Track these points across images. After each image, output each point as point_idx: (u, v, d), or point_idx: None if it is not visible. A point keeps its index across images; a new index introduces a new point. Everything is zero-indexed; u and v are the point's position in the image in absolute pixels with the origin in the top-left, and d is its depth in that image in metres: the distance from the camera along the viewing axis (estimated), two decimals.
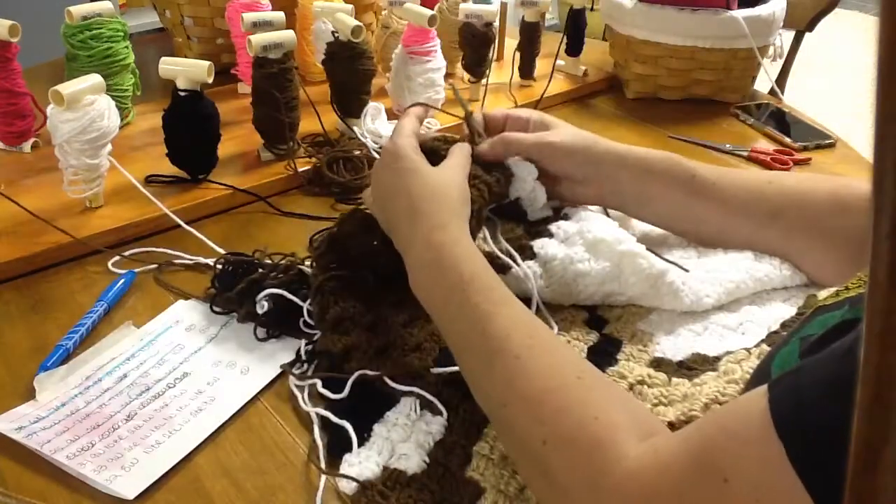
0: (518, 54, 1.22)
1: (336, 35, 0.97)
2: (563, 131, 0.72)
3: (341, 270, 0.67)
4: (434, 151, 0.67)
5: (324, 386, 0.59)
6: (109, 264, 0.75)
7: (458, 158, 0.66)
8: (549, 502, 0.45)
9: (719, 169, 0.70)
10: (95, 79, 0.77)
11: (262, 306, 0.66)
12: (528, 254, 0.67)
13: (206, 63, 0.82)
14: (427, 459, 0.53)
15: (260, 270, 0.70)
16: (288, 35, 0.89)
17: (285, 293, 0.66)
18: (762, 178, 0.70)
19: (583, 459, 0.42)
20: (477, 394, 0.52)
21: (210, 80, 0.83)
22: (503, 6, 1.28)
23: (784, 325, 0.60)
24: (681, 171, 0.69)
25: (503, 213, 0.74)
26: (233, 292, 0.68)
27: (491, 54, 1.14)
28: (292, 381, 0.61)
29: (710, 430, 0.39)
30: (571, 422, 0.44)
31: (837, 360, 0.35)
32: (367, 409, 0.57)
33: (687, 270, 0.68)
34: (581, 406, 0.44)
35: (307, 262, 0.71)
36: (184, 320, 0.68)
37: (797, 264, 0.69)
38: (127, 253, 0.77)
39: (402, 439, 0.55)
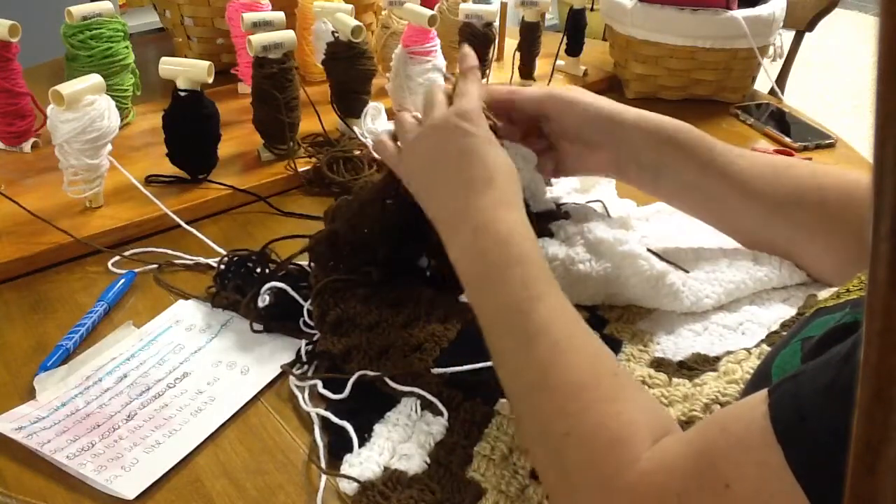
0: (518, 54, 1.22)
1: (336, 35, 0.97)
2: (577, 88, 0.69)
3: (340, 270, 0.67)
4: None
5: (324, 386, 0.59)
6: (109, 264, 0.75)
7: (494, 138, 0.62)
8: (557, 493, 0.45)
9: (739, 151, 0.68)
10: (95, 79, 0.77)
11: (264, 300, 0.66)
12: None
13: (206, 63, 0.82)
14: (428, 460, 0.53)
15: (263, 265, 0.70)
16: (288, 35, 0.89)
17: (288, 288, 0.66)
18: (779, 165, 0.68)
19: (599, 457, 0.42)
20: (504, 373, 0.51)
21: (210, 80, 0.83)
22: (503, 6, 1.28)
23: (784, 326, 0.60)
24: (700, 144, 0.67)
25: None
26: (238, 281, 0.69)
27: (491, 54, 1.14)
28: (293, 381, 0.61)
29: (712, 434, 0.39)
30: (596, 418, 0.44)
31: (836, 365, 0.35)
32: (367, 410, 0.57)
33: (687, 271, 0.68)
34: (608, 402, 0.44)
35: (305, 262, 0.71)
36: (184, 320, 0.68)
37: (798, 258, 0.68)
38: (127, 253, 0.77)
39: (402, 440, 0.55)
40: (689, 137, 0.67)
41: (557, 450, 0.44)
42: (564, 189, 0.84)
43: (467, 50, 0.67)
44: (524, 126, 0.71)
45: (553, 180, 0.80)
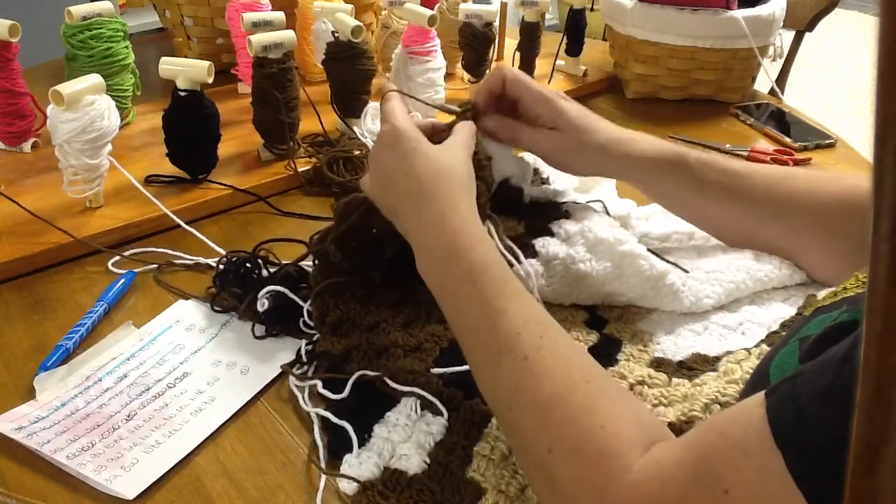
0: (518, 54, 1.22)
1: (336, 35, 0.97)
2: (570, 120, 0.69)
3: (345, 268, 0.67)
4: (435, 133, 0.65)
5: (324, 386, 0.59)
6: (109, 264, 0.75)
7: (462, 136, 0.62)
8: None
9: (730, 161, 0.69)
10: (95, 79, 0.77)
11: (263, 304, 0.66)
12: (530, 252, 0.66)
13: (206, 63, 0.82)
14: (427, 460, 0.53)
15: (262, 267, 0.70)
16: (288, 35, 0.89)
17: (287, 291, 0.66)
18: (773, 175, 0.69)
19: (588, 470, 0.42)
20: (483, 391, 0.51)
21: (210, 80, 0.83)
22: (503, 6, 1.28)
23: (784, 325, 0.60)
24: (691, 166, 0.68)
25: (503, 209, 0.73)
26: (236, 287, 0.69)
27: (491, 54, 1.14)
28: (292, 381, 0.60)
29: (710, 439, 0.39)
30: (578, 431, 0.43)
31: (834, 367, 0.35)
32: (367, 410, 0.57)
33: (687, 271, 0.68)
34: (588, 414, 0.43)
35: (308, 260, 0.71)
36: (184, 320, 0.68)
37: (797, 260, 0.69)
38: (127, 253, 0.77)
39: (402, 440, 0.55)
40: (677, 162, 0.68)
41: (544, 466, 0.44)
42: (564, 188, 0.84)
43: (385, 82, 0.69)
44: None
45: (552, 179, 0.80)
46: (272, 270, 0.71)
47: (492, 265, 0.52)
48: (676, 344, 0.63)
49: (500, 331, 0.48)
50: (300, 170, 0.91)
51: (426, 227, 0.55)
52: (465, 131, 0.63)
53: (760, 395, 0.38)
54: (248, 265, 0.72)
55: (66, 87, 0.74)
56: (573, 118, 0.69)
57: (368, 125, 0.98)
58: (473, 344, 0.51)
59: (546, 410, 0.44)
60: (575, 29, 1.24)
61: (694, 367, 0.59)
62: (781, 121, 1.13)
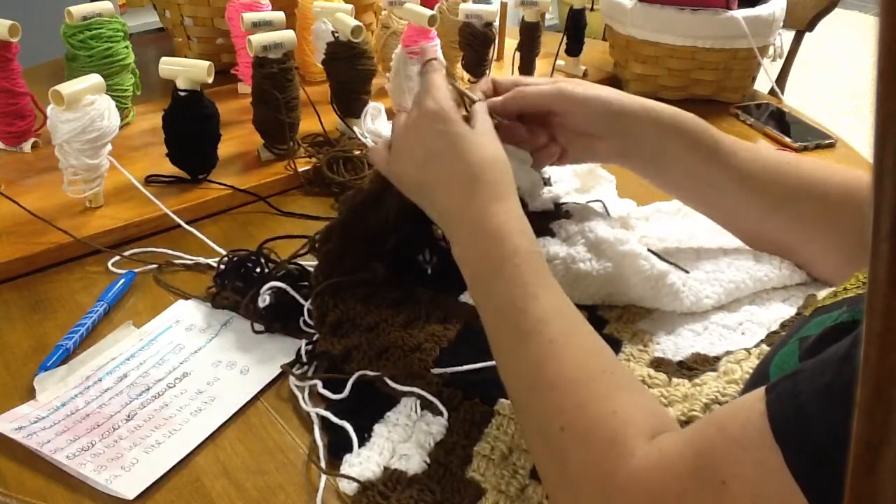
0: (518, 54, 1.22)
1: (336, 35, 0.97)
2: (583, 82, 0.69)
3: (345, 270, 0.67)
4: None
5: (324, 386, 0.59)
6: (109, 264, 0.75)
7: (486, 124, 0.61)
8: (557, 490, 0.45)
9: (743, 143, 0.68)
10: (95, 79, 0.77)
11: (264, 300, 0.66)
12: None
13: (206, 63, 0.82)
14: (427, 460, 0.53)
15: (264, 265, 0.70)
16: (288, 35, 0.89)
17: (288, 288, 0.66)
18: (783, 159, 0.68)
19: (597, 454, 0.42)
20: (504, 372, 0.51)
21: (210, 80, 0.83)
22: (503, 6, 1.28)
23: (784, 325, 0.60)
24: (706, 136, 0.67)
25: None
26: (238, 281, 0.69)
27: (491, 54, 1.14)
28: (292, 381, 0.60)
29: (710, 432, 0.39)
30: (592, 414, 0.44)
31: (834, 365, 0.35)
32: (367, 410, 0.57)
33: (687, 272, 0.68)
34: (603, 400, 0.44)
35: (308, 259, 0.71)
36: (184, 320, 0.68)
37: (798, 256, 0.69)
38: (127, 253, 0.77)
39: (402, 440, 0.55)
40: (693, 128, 0.67)
41: (555, 446, 0.44)
42: (564, 189, 0.84)
43: (424, 45, 0.66)
44: (530, 119, 0.70)
45: (553, 179, 0.80)
46: (272, 268, 0.71)
47: (538, 255, 0.53)
48: (676, 344, 0.63)
49: (532, 313, 0.49)
50: (300, 170, 0.91)
51: (475, 209, 0.55)
52: (484, 115, 0.62)
53: (760, 390, 0.38)
54: (248, 263, 0.72)
55: (66, 87, 0.74)
56: (576, 87, 0.68)
57: (368, 125, 0.98)
58: (502, 325, 0.51)
59: (564, 392, 0.45)
60: (575, 29, 1.24)
61: (694, 367, 0.59)
62: (781, 121, 1.13)
